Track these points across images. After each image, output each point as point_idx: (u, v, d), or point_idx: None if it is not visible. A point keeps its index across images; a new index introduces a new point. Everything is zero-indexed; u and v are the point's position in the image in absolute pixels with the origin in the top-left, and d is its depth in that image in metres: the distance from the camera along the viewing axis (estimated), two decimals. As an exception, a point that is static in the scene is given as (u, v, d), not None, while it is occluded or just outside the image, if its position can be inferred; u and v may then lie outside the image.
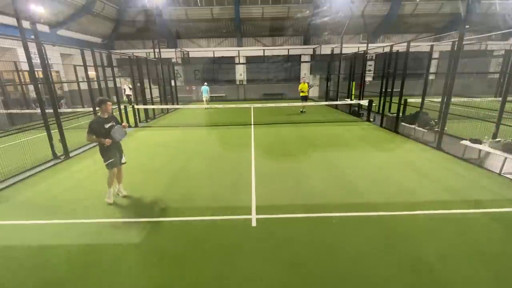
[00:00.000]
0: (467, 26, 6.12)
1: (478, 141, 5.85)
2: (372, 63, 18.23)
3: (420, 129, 7.78)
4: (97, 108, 3.59)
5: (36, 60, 6.16)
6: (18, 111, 11.22)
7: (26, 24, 5.64)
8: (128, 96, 18.05)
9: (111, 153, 4.20)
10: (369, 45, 13.88)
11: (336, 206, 4.11)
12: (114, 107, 9.37)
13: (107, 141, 4.03)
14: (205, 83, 16.21)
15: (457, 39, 6.36)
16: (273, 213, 3.92)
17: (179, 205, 4.30)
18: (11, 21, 11.70)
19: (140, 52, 17.93)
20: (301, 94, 13.32)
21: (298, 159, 6.45)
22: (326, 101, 15.54)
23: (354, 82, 13.05)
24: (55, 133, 6.46)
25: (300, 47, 22.65)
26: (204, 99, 16.11)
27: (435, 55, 17.70)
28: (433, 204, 4.07)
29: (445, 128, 6.80)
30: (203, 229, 3.64)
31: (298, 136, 8.71)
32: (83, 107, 13.44)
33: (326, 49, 19.63)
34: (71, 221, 3.87)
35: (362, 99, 11.79)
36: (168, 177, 5.40)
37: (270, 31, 22.65)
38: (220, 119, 12.12)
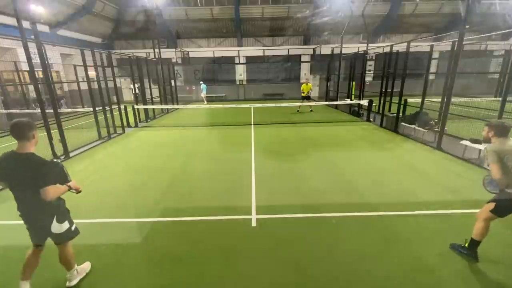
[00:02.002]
0: (467, 26, 6.11)
1: (478, 141, 5.84)
2: (372, 63, 18.23)
3: (420, 129, 7.78)
4: (32, 135, 2.50)
5: (36, 60, 6.15)
6: (18, 111, 11.22)
7: (26, 24, 5.64)
8: (135, 94, 18.16)
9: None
10: (369, 45, 13.88)
11: (336, 206, 4.11)
12: (114, 107, 9.45)
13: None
14: (201, 82, 18.45)
15: (457, 39, 6.36)
16: (273, 213, 3.92)
17: (179, 205, 4.30)
18: (11, 21, 11.70)
19: (140, 52, 17.94)
20: (302, 94, 13.51)
21: (298, 159, 6.45)
22: (326, 101, 15.54)
23: (354, 82, 13.06)
24: (55, 133, 6.45)
25: (300, 47, 22.66)
26: (203, 95, 18.20)
27: (435, 55, 17.71)
28: (433, 204, 4.07)
29: (445, 128, 6.80)
30: (203, 229, 3.64)
31: (298, 136, 8.71)
32: (83, 107, 13.45)
33: (326, 49, 19.63)
34: (71, 221, 3.86)
35: (362, 99, 11.79)
36: (168, 177, 5.40)
37: (270, 31, 22.66)
38: (220, 119, 12.12)
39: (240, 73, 22.10)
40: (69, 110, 13.23)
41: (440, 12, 20.74)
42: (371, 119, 10.84)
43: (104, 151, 7.44)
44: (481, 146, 5.72)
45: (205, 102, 18.39)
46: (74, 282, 2.67)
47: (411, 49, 8.43)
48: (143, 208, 4.17)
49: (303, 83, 13.77)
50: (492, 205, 2.66)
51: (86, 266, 2.85)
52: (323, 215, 3.87)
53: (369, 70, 17.24)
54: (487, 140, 2.70)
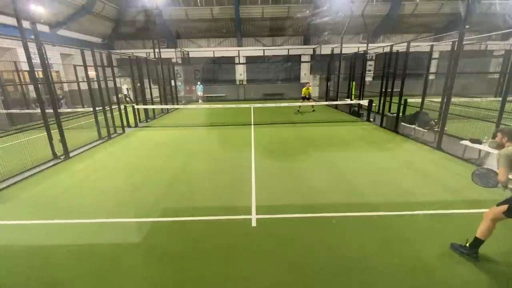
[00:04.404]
0: (467, 26, 6.11)
1: (478, 141, 5.85)
2: (372, 63, 18.22)
3: (420, 129, 7.78)
4: None
5: (36, 60, 6.16)
6: (18, 111, 11.22)
7: (26, 24, 5.64)
8: (124, 96, 18.28)
9: None
10: (369, 45, 13.88)
11: (336, 206, 4.11)
12: (114, 107, 9.45)
13: None
14: (198, 82, 19.63)
15: (457, 39, 6.36)
16: (273, 213, 3.92)
17: (179, 205, 4.30)
18: (11, 21, 11.70)
19: (140, 52, 17.94)
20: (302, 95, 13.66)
21: (298, 159, 6.45)
22: (326, 101, 15.54)
23: (354, 82, 13.06)
24: (55, 133, 6.46)
25: (300, 47, 22.64)
26: (199, 95, 19.43)
27: (435, 55, 17.70)
28: (433, 204, 4.07)
29: (445, 128, 6.80)
30: (203, 229, 3.64)
31: (298, 136, 8.71)
32: (83, 107, 13.45)
33: (326, 49, 19.62)
34: (71, 221, 3.87)
35: (362, 99, 11.79)
36: (168, 177, 5.40)
37: (270, 31, 22.65)
38: (220, 119, 12.12)
39: (240, 73, 22.09)
40: (69, 110, 13.24)
41: (440, 12, 20.73)
42: (371, 119, 10.84)
43: (104, 151, 7.44)
44: (481, 146, 5.72)
45: (200, 102, 19.55)
46: None
47: (411, 49, 8.42)
48: (143, 208, 4.18)
49: (303, 83, 13.83)
50: (505, 207, 2.68)
51: None
52: (323, 215, 3.87)
53: (369, 70, 17.23)
54: (501, 146, 2.79)
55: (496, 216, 2.75)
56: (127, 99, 18.15)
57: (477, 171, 2.84)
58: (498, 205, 2.76)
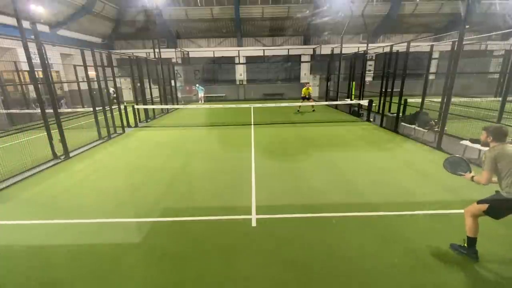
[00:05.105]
0: (467, 26, 6.11)
1: (478, 141, 5.85)
2: (372, 63, 18.22)
3: (420, 129, 7.78)
4: None
5: (36, 60, 6.15)
6: (18, 111, 11.22)
7: (26, 24, 5.64)
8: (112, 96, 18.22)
9: None
10: (369, 45, 13.88)
11: (336, 206, 4.11)
12: (114, 107, 9.45)
13: None
14: (197, 84, 19.86)
15: (457, 39, 6.37)
16: (273, 213, 3.92)
17: (179, 205, 4.30)
18: (11, 21, 11.70)
19: (140, 52, 17.93)
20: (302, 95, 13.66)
21: (298, 159, 6.45)
22: (326, 101, 15.54)
23: (354, 82, 13.06)
24: (55, 133, 6.46)
25: (300, 47, 22.65)
26: (199, 95, 19.47)
27: (435, 55, 17.70)
28: (433, 204, 4.07)
29: (445, 128, 6.79)
30: (203, 229, 3.64)
31: (298, 136, 8.71)
32: (83, 107, 13.46)
33: (326, 49, 19.63)
34: (71, 221, 3.87)
35: (362, 99, 11.79)
36: (168, 177, 5.40)
37: (270, 31, 22.65)
38: (220, 119, 12.12)
39: (240, 73, 22.09)
40: (69, 110, 13.24)
41: (440, 12, 20.73)
42: (371, 119, 10.84)
43: (104, 151, 7.44)
44: (481, 146, 5.72)
45: (200, 102, 19.58)
46: None
47: (411, 49, 8.42)
48: (143, 208, 4.17)
49: (303, 83, 13.83)
50: (485, 206, 2.70)
51: None
52: (323, 215, 3.87)
53: (369, 70, 17.24)
54: (486, 144, 2.78)
55: (475, 214, 2.79)
56: (114, 100, 18.14)
57: (450, 158, 2.87)
58: (478, 202, 2.78)
